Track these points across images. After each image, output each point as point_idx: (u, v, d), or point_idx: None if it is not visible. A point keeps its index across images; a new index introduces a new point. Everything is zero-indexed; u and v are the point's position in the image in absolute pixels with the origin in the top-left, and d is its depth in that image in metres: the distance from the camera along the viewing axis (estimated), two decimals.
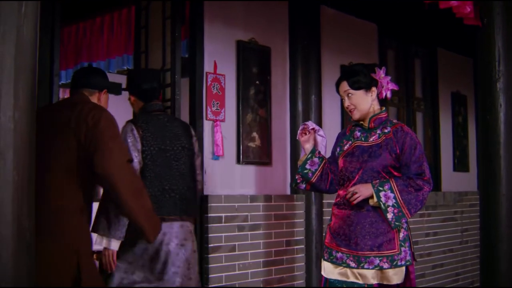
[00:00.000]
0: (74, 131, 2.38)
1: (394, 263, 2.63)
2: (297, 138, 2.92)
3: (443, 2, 3.12)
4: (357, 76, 2.75)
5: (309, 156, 2.85)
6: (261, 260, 4.07)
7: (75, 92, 2.65)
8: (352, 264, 2.66)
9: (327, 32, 4.70)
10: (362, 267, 2.64)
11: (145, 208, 2.47)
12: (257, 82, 4.24)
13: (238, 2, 4.17)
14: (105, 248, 2.86)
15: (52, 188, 2.36)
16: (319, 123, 4.38)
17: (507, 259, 3.06)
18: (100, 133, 2.40)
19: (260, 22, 4.31)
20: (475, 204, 6.11)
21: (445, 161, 6.11)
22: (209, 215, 3.78)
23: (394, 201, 2.62)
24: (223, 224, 3.85)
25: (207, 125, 3.89)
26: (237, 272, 3.90)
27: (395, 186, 2.63)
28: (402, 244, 2.66)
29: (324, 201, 4.40)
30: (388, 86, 2.78)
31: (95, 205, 2.74)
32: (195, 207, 3.17)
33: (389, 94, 2.80)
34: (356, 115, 2.79)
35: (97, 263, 3.00)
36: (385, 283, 2.64)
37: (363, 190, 2.63)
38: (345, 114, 4.66)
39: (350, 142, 2.83)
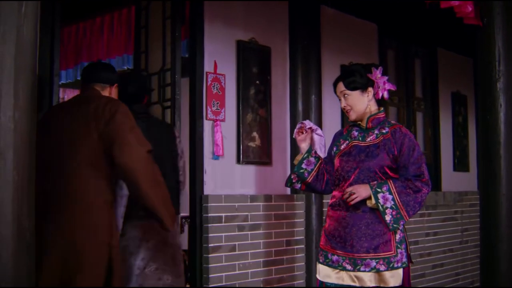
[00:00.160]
0: (94, 125, 2.45)
1: (391, 265, 2.59)
2: (293, 137, 2.89)
3: (444, 2, 3.11)
4: (353, 77, 2.73)
5: (305, 155, 2.82)
6: (261, 260, 4.07)
7: (87, 87, 2.70)
8: (348, 267, 2.63)
9: (327, 32, 4.70)
10: (359, 270, 2.60)
11: (164, 198, 2.53)
12: (257, 82, 4.24)
13: (238, 2, 4.17)
14: None
15: (82, 185, 2.44)
16: (319, 123, 4.38)
17: (507, 259, 3.06)
18: (117, 126, 2.46)
19: (260, 22, 4.31)
20: (475, 204, 6.11)
21: (445, 161, 6.11)
22: (209, 215, 3.78)
23: (392, 203, 2.58)
24: (223, 224, 3.85)
25: (207, 125, 3.89)
26: (237, 272, 3.90)
27: (394, 187, 2.59)
28: (399, 246, 2.62)
29: (324, 201, 4.40)
30: (385, 87, 2.75)
31: None
32: (176, 207, 3.21)
33: (386, 95, 2.77)
34: (352, 116, 2.77)
35: None
36: (382, 285, 2.60)
37: (361, 191, 2.60)
38: (345, 114, 4.66)
39: (347, 141, 2.80)
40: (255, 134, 4.18)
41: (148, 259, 3.05)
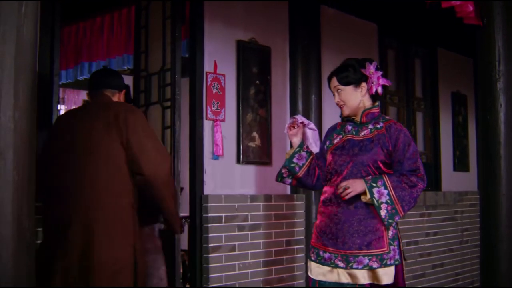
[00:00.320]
0: (116, 133, 2.55)
1: (384, 262, 2.55)
2: (284, 132, 2.86)
3: (445, 1, 3.12)
4: (346, 72, 2.70)
5: (297, 150, 2.79)
6: (261, 260, 4.07)
7: (98, 93, 2.78)
8: (341, 264, 2.59)
9: (327, 32, 4.70)
10: (351, 267, 2.56)
11: (176, 206, 2.80)
12: (257, 82, 4.24)
13: (238, 2, 4.17)
14: None
15: (109, 188, 2.52)
16: (319, 123, 4.38)
17: (507, 259, 3.06)
18: (141, 139, 2.59)
19: (260, 22, 4.31)
20: (475, 204, 6.11)
21: (445, 161, 6.11)
22: (209, 215, 3.78)
23: (388, 197, 2.54)
24: (223, 224, 3.85)
25: (207, 125, 3.89)
26: (237, 272, 3.90)
27: (389, 182, 2.56)
28: (391, 242, 2.59)
29: None
30: (379, 82, 2.71)
31: None
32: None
33: (380, 90, 2.72)
34: (345, 111, 2.74)
35: None
36: (375, 283, 2.57)
37: (356, 185, 2.55)
38: None
39: (341, 136, 2.76)
40: (255, 134, 4.17)
41: None
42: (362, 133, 2.70)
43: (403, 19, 5.45)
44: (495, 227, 3.10)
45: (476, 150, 6.01)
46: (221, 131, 3.93)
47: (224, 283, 3.82)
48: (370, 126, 2.71)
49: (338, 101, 2.74)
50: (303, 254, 4.35)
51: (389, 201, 2.54)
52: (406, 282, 5.05)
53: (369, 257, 2.56)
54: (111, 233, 2.49)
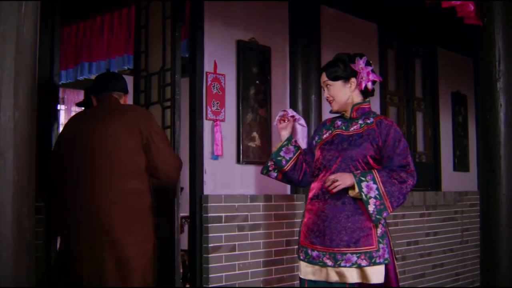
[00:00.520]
0: (136, 136, 2.69)
1: (373, 260, 2.49)
2: (274, 124, 2.82)
3: (445, 1, 3.11)
4: (335, 67, 2.68)
5: (285, 143, 2.74)
6: (261, 260, 4.07)
7: (106, 95, 2.87)
8: (329, 263, 2.52)
9: (327, 32, 4.70)
10: (339, 265, 2.50)
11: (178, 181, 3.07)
12: (257, 82, 4.24)
13: (238, 2, 4.17)
14: None
15: (130, 189, 2.65)
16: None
17: (507, 259, 3.06)
18: (157, 139, 2.75)
19: (260, 22, 4.31)
20: (475, 204, 6.11)
21: (445, 161, 6.11)
22: (209, 215, 3.78)
23: (376, 192, 2.48)
24: (223, 224, 3.85)
25: (207, 125, 3.89)
26: (237, 272, 3.90)
27: (378, 177, 2.50)
28: (380, 240, 2.52)
29: None
30: (368, 77, 2.68)
31: None
32: None
33: (370, 86, 2.69)
34: (334, 107, 2.71)
35: None
36: (364, 282, 2.50)
37: (344, 179, 2.49)
38: None
39: (330, 131, 2.73)
40: (255, 134, 4.17)
41: None
42: (352, 128, 2.67)
43: (403, 19, 5.45)
44: (495, 227, 3.10)
45: (476, 150, 6.01)
46: (221, 131, 3.93)
47: (224, 283, 3.82)
48: (360, 122, 2.67)
49: (327, 96, 2.71)
50: None
51: (377, 196, 2.48)
52: (406, 282, 5.05)
53: (357, 255, 2.49)
54: (135, 232, 2.63)
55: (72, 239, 2.66)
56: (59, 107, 5.29)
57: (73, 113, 7.50)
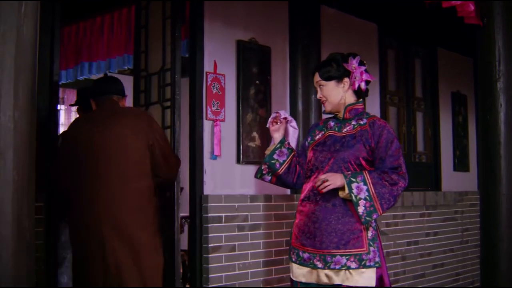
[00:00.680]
0: (145, 139, 2.83)
1: (363, 263, 2.45)
2: (267, 126, 2.80)
3: (445, 1, 3.11)
4: (328, 67, 2.63)
5: (278, 146, 2.72)
6: (261, 260, 4.07)
7: (107, 98, 2.99)
8: (319, 265, 2.49)
9: (327, 32, 4.70)
10: (329, 267, 2.47)
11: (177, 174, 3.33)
12: (257, 82, 4.24)
13: (238, 2, 4.17)
14: None
15: (138, 190, 2.80)
16: None
17: (507, 259, 3.06)
18: (161, 141, 2.92)
19: (260, 22, 4.31)
20: (475, 204, 6.11)
21: (445, 161, 6.11)
22: (209, 215, 3.78)
23: (366, 194, 2.44)
24: (223, 224, 3.85)
25: (207, 125, 3.89)
26: (237, 272, 3.90)
27: (369, 178, 2.46)
28: (371, 243, 2.48)
29: None
30: (362, 77, 2.63)
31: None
32: None
33: (363, 86, 2.64)
34: (327, 107, 2.67)
35: None
36: (352, 285, 2.46)
37: (334, 179, 2.45)
38: None
39: (323, 132, 2.69)
40: (255, 134, 4.17)
41: None
42: (345, 129, 2.63)
43: (403, 19, 5.45)
44: (495, 227, 3.10)
45: (476, 150, 6.01)
46: (220, 130, 3.93)
47: (224, 283, 3.82)
48: (353, 122, 2.63)
49: (320, 97, 2.67)
50: None
51: (367, 198, 2.44)
52: (406, 282, 5.06)
53: (347, 257, 2.46)
54: (147, 229, 2.81)
55: (84, 239, 2.76)
56: (59, 107, 5.29)
57: (72, 113, 7.49)
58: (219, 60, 4.00)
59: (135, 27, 4.14)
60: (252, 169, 4.15)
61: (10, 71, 1.66)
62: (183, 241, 4.01)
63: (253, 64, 4.21)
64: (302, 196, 2.65)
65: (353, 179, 2.46)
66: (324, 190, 2.46)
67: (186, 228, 4.94)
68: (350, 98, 2.66)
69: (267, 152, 2.77)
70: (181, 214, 3.96)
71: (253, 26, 4.25)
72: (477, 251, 5.85)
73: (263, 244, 4.09)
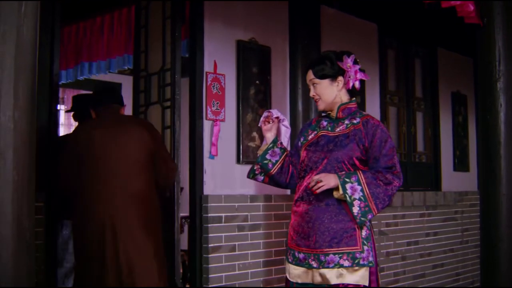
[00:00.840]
0: (149, 147, 3.02)
1: (356, 261, 2.43)
2: (259, 125, 2.77)
3: (444, 2, 3.11)
4: (322, 65, 2.59)
5: (271, 146, 2.69)
6: (261, 260, 4.07)
7: (110, 106, 3.15)
8: (314, 264, 2.47)
9: (327, 32, 4.70)
10: (323, 267, 2.44)
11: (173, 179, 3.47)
12: (257, 82, 4.24)
13: (238, 2, 4.17)
14: None
15: (148, 197, 3.00)
16: None
17: (507, 259, 3.06)
18: (164, 152, 3.16)
19: (260, 22, 4.31)
20: (475, 204, 6.11)
21: (445, 161, 6.11)
22: (209, 215, 3.78)
23: (361, 194, 2.41)
24: (223, 224, 3.85)
25: (207, 125, 3.89)
26: (237, 272, 3.90)
27: (363, 178, 2.43)
28: (365, 242, 2.46)
29: None
30: (356, 76, 2.59)
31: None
32: None
33: (357, 85, 2.60)
34: (321, 106, 2.63)
35: None
36: (346, 283, 2.43)
37: (328, 179, 2.42)
38: None
39: (316, 132, 2.66)
40: (255, 134, 4.17)
41: None
42: (338, 129, 2.59)
43: (403, 19, 5.45)
44: (495, 227, 3.10)
45: (476, 150, 6.02)
46: (219, 131, 3.93)
47: (224, 283, 3.82)
48: (346, 122, 2.60)
49: (313, 95, 2.64)
50: None
51: (362, 198, 2.42)
52: (406, 282, 5.06)
53: (340, 255, 2.43)
54: (153, 231, 2.99)
55: (87, 232, 2.87)
56: (59, 107, 5.28)
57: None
58: (219, 60, 4.00)
59: (135, 27, 4.14)
60: None
61: (10, 71, 1.66)
62: (183, 241, 4.02)
63: (253, 64, 4.21)
64: (296, 196, 2.63)
65: (347, 180, 2.44)
66: (318, 191, 2.44)
67: (186, 228, 4.94)
68: (344, 97, 2.63)
69: (260, 152, 2.74)
70: (181, 214, 3.97)
71: (253, 26, 4.25)
72: (477, 251, 5.85)
73: (263, 244, 4.09)
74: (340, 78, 2.60)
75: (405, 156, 5.67)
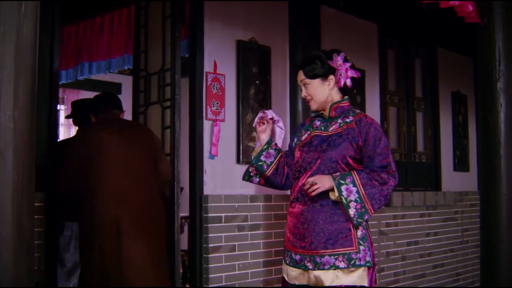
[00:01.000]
0: (150, 150, 3.20)
1: (352, 262, 2.40)
2: (253, 126, 2.75)
3: (443, 2, 3.11)
4: (313, 64, 2.56)
5: (265, 147, 2.67)
6: (261, 260, 4.07)
7: (112, 112, 3.29)
8: (310, 266, 2.45)
9: (327, 32, 4.70)
10: (319, 268, 2.42)
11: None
12: (257, 82, 4.24)
13: (238, 2, 4.17)
14: None
15: (156, 198, 3.19)
16: None
17: (507, 259, 3.07)
18: (160, 149, 3.34)
19: (260, 22, 4.31)
20: (475, 204, 6.11)
21: (445, 161, 6.11)
22: (209, 215, 3.78)
23: (357, 195, 2.39)
24: (223, 224, 3.85)
25: (207, 125, 3.89)
26: (237, 272, 3.90)
27: (358, 179, 2.41)
28: (361, 242, 2.43)
29: None
30: (347, 74, 2.57)
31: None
32: None
33: (348, 82, 2.57)
34: (313, 106, 2.61)
35: None
36: (342, 285, 2.41)
37: (323, 181, 2.40)
38: None
39: (309, 132, 2.63)
40: (255, 134, 4.17)
41: None
42: (331, 128, 2.57)
43: (403, 19, 5.45)
44: (495, 227, 3.11)
45: (476, 150, 6.01)
46: (219, 131, 3.93)
47: (224, 283, 3.82)
48: (339, 121, 2.57)
49: (305, 96, 2.61)
50: None
51: (358, 199, 2.40)
52: (407, 283, 5.05)
53: (335, 257, 2.41)
54: (162, 232, 3.20)
55: (99, 228, 2.96)
56: (59, 107, 5.28)
57: None
58: (219, 60, 4.00)
59: (135, 27, 4.14)
60: None
61: (10, 71, 1.66)
62: (183, 241, 4.02)
63: (253, 64, 4.21)
64: (291, 197, 2.61)
65: (342, 181, 2.41)
66: (313, 194, 2.42)
67: (186, 228, 4.95)
68: (336, 95, 2.60)
69: (254, 153, 2.72)
70: (181, 214, 3.97)
71: (253, 26, 4.25)
72: (477, 251, 5.85)
73: (263, 244, 4.09)
74: (331, 77, 2.57)
75: (405, 156, 5.67)
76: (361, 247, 2.43)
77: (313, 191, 2.41)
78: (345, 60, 2.59)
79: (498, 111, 3.11)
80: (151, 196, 3.15)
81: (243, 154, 4.07)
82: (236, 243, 3.92)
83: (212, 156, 3.90)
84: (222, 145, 3.95)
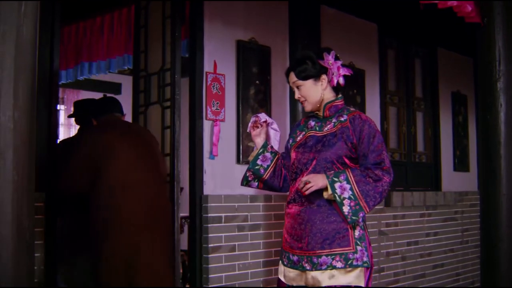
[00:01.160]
0: (153, 149, 3.26)
1: (349, 262, 2.38)
2: (247, 131, 2.73)
3: (441, 2, 3.11)
4: (304, 65, 2.52)
5: (261, 150, 2.64)
6: (261, 260, 4.07)
7: (110, 116, 3.33)
8: (308, 267, 2.43)
9: (327, 32, 4.70)
10: (316, 269, 2.40)
11: None
12: (257, 82, 4.24)
13: (238, 2, 4.17)
14: None
15: (164, 195, 3.32)
16: None
17: (507, 259, 3.07)
18: (159, 150, 3.40)
19: (260, 22, 4.31)
20: (475, 204, 6.11)
21: (445, 161, 6.11)
22: (209, 215, 3.78)
23: (350, 193, 2.36)
24: (223, 224, 3.85)
25: (207, 125, 3.89)
26: (237, 272, 3.90)
27: (352, 176, 2.38)
28: (358, 242, 2.41)
29: None
30: (339, 72, 2.54)
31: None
32: None
33: (341, 81, 2.54)
34: (307, 107, 2.57)
35: None
36: (339, 285, 2.38)
37: (317, 180, 2.37)
38: None
39: (304, 132, 2.61)
40: None
41: None
42: (326, 128, 2.54)
43: (403, 19, 5.45)
44: (495, 227, 3.11)
45: (476, 150, 6.01)
46: (219, 131, 3.93)
47: (224, 284, 3.82)
48: (334, 120, 2.54)
49: (298, 97, 2.57)
50: None
51: (352, 197, 2.36)
52: (407, 283, 5.06)
53: (332, 257, 2.39)
54: (166, 232, 3.28)
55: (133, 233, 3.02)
56: (59, 107, 5.28)
57: None
58: (219, 60, 4.00)
59: (134, 27, 4.13)
60: None
61: (10, 71, 1.66)
62: (183, 241, 4.02)
63: (253, 64, 4.21)
64: (288, 198, 2.60)
65: (336, 179, 2.38)
66: (307, 192, 2.40)
67: (186, 228, 4.95)
68: (329, 94, 2.57)
69: (251, 158, 2.69)
70: (181, 214, 3.97)
71: (253, 26, 4.25)
72: (477, 251, 5.85)
73: (263, 244, 4.09)
74: (324, 77, 2.54)
75: (405, 156, 5.67)
76: (358, 247, 2.41)
77: (307, 189, 2.39)
78: (336, 58, 2.56)
79: (498, 111, 3.11)
80: (160, 191, 3.22)
81: (243, 154, 4.07)
82: (236, 243, 3.92)
83: (212, 156, 3.90)
84: (222, 145, 3.95)
